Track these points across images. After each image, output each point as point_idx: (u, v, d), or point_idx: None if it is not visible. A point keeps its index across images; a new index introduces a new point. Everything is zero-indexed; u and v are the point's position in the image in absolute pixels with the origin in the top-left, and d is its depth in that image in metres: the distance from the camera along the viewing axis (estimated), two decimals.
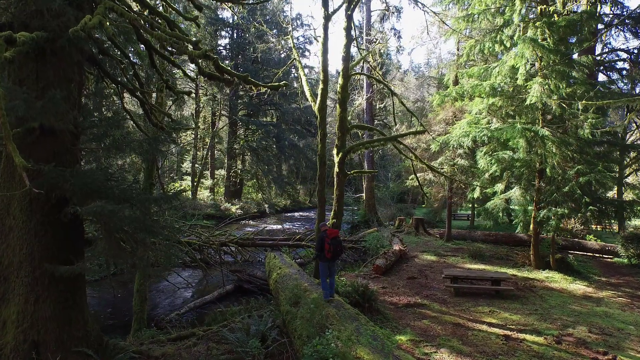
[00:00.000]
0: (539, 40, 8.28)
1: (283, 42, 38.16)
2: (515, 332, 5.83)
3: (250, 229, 24.10)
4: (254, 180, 35.20)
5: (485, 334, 5.76)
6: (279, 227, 25.74)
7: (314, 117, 38.65)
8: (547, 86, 8.01)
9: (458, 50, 13.88)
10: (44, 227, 4.06)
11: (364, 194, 18.92)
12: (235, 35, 32.74)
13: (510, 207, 11.45)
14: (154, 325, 8.34)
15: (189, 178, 31.31)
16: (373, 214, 19.08)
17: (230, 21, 32.32)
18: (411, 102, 37.15)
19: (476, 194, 10.49)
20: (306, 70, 37.83)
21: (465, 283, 8.56)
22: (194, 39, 4.89)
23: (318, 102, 7.98)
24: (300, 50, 37.59)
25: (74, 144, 4.51)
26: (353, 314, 4.21)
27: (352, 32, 8.39)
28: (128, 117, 5.74)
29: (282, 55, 35.72)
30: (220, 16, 31.75)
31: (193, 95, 33.33)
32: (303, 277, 6.88)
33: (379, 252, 12.86)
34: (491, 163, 9.53)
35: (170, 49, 5.75)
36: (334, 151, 8.09)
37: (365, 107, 18.15)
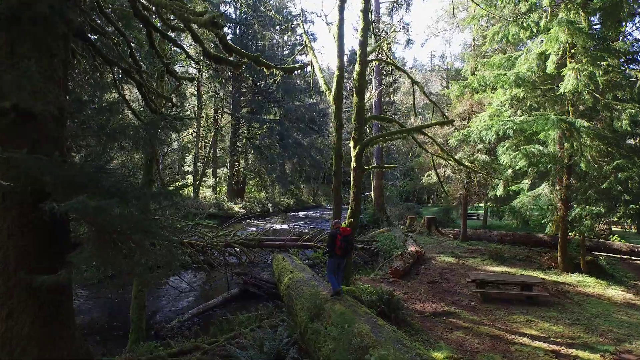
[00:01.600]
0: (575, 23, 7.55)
1: (286, 37, 37.56)
2: (563, 347, 5.13)
3: (255, 229, 23.45)
4: (257, 179, 34.56)
5: (530, 349, 5.06)
6: (284, 226, 25.09)
7: (317, 114, 37.92)
8: (585, 72, 7.29)
9: (475, 40, 13.16)
10: (21, 228, 3.38)
11: (372, 193, 18.23)
12: (238, 31, 32.07)
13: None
14: (154, 333, 7.67)
15: (191, 177, 30.67)
16: (382, 213, 18.37)
17: (233, 17, 31.64)
18: (416, 99, 36.51)
19: (499, 191, 9.79)
20: (309, 68, 37.15)
21: (492, 288, 7.85)
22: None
23: (333, 90, 7.29)
24: (304, 51, 36.70)
25: (58, 131, 3.84)
26: (390, 333, 3.53)
27: (369, 16, 7.69)
28: (123, 102, 5.04)
29: (286, 52, 35.05)
30: (223, 10, 31.07)
31: (194, 93, 32.76)
32: (320, 284, 6.20)
33: (392, 254, 12.16)
34: (517, 158, 8.81)
35: (171, 21, 5.07)
36: (351, 144, 7.40)
37: (374, 102, 17.46)
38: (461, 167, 10.67)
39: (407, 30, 19.09)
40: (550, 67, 8.25)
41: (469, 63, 11.30)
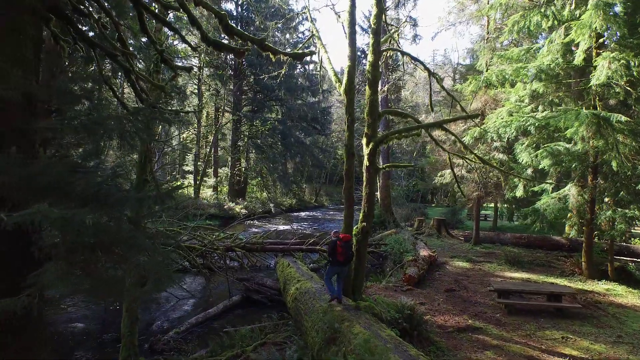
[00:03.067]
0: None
1: (289, 35, 36.88)
2: None
3: (257, 230, 22.84)
4: (259, 179, 33.96)
5: None
6: (287, 227, 24.48)
7: (320, 113, 37.26)
8: (621, 62, 6.63)
9: (488, 33, 12.50)
10: None
11: (378, 193, 17.60)
12: (239, 27, 31.44)
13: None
14: (148, 347, 7.04)
15: (192, 176, 30.08)
16: (389, 214, 17.72)
17: (234, 13, 31.01)
18: (420, 97, 35.74)
19: (519, 192, 9.14)
20: (311, 66, 36.54)
21: (516, 297, 7.20)
22: None
23: (344, 82, 6.65)
24: (305, 48, 36.09)
25: (26, 122, 3.22)
26: None
27: (382, 1, 7.05)
28: (109, 89, 4.40)
29: (288, 50, 34.35)
30: (224, 7, 30.44)
31: (194, 91, 32.16)
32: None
33: (402, 258, 11.52)
34: (540, 157, 8.15)
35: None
36: (363, 141, 6.76)
37: (381, 99, 16.77)
38: (478, 166, 10.02)
39: (414, 25, 18.43)
40: (578, 58, 7.59)
41: (484, 57, 10.66)
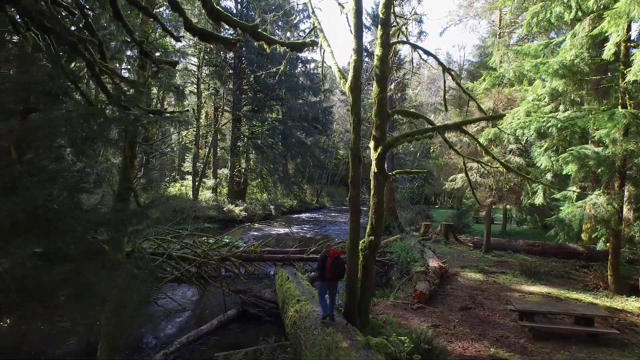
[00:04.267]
0: None
1: (289, 34, 36.19)
2: None
3: (256, 233, 22.14)
4: (259, 180, 33.27)
5: None
6: (288, 230, 23.80)
7: (321, 113, 36.51)
8: None
9: (500, 27, 11.76)
10: None
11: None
12: None
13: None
14: None
15: (190, 177, 29.41)
16: (394, 218, 16.99)
17: (234, 11, 30.28)
18: (424, 97, 34.97)
19: (538, 199, 8.40)
20: (312, 65, 35.81)
21: (541, 318, 6.47)
22: None
23: (349, 78, 5.93)
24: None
25: None
26: None
27: None
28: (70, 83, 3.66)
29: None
30: (223, 5, 29.71)
31: (194, 91, 31.50)
32: (338, 327, 4.82)
33: (410, 268, 10.79)
34: (564, 161, 7.40)
35: None
36: (370, 144, 6.04)
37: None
38: (493, 171, 9.28)
39: (420, 22, 17.69)
40: (608, 52, 6.84)
41: (497, 52, 9.93)
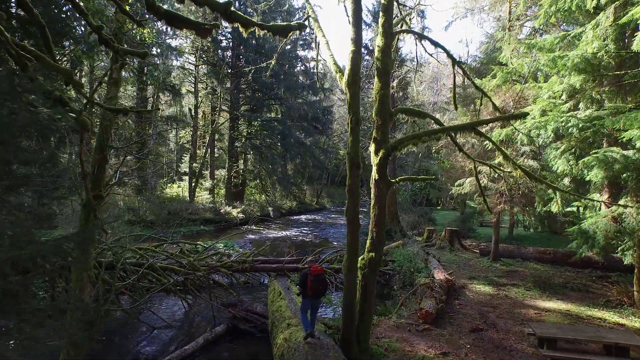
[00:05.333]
0: None
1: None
2: None
3: (253, 237, 21.41)
4: (257, 181, 32.55)
5: None
6: (285, 233, 23.08)
7: (321, 112, 35.75)
8: None
9: (510, 21, 10.99)
10: None
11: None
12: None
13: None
14: None
15: (188, 179, 28.69)
16: (395, 222, 16.23)
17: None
18: (426, 96, 34.13)
19: (555, 207, 7.64)
20: (312, 64, 35.07)
21: (565, 345, 5.71)
22: None
23: (347, 72, 5.18)
24: (305, 45, 34.80)
25: None
26: None
27: None
28: None
29: (288, 47, 32.99)
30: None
31: (191, 90, 30.77)
32: (326, 351, 4.08)
33: (413, 279, 10.04)
34: (586, 166, 6.63)
35: None
36: (371, 148, 5.29)
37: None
38: (505, 175, 8.52)
39: (423, 17, 16.93)
40: (637, 43, 6.06)
41: (508, 46, 9.16)
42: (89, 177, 4.99)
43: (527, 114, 4.77)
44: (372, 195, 5.36)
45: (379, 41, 5.46)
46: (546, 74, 8.23)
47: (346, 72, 5.29)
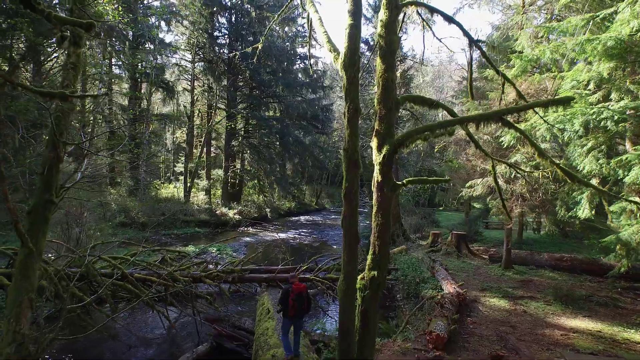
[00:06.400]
0: None
1: (287, 28, 34.48)
2: None
3: (248, 239, 20.49)
4: (255, 181, 31.65)
5: None
6: (283, 235, 22.19)
7: (320, 110, 34.77)
8: None
9: (523, 6, 10.02)
10: None
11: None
12: (234, 19, 29.02)
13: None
14: None
15: (182, 178, 27.80)
16: (398, 225, 15.27)
17: (228, 3, 28.58)
18: (428, 94, 33.15)
19: (583, 212, 6.68)
20: (311, 61, 34.13)
21: None
22: None
23: (343, 50, 4.25)
24: (304, 43, 33.85)
25: None
26: None
27: None
28: None
29: (287, 44, 32.06)
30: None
31: (187, 88, 29.85)
32: None
33: (419, 289, 9.10)
34: (621, 165, 5.67)
35: None
36: (373, 143, 4.36)
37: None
38: (522, 174, 7.57)
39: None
40: None
41: (526, 32, 8.20)
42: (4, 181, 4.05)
43: (572, 98, 3.84)
44: (374, 201, 4.41)
45: (382, 15, 4.51)
46: (572, 62, 7.28)
47: (342, 51, 4.35)
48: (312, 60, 34.45)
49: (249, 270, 9.17)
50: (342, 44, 4.50)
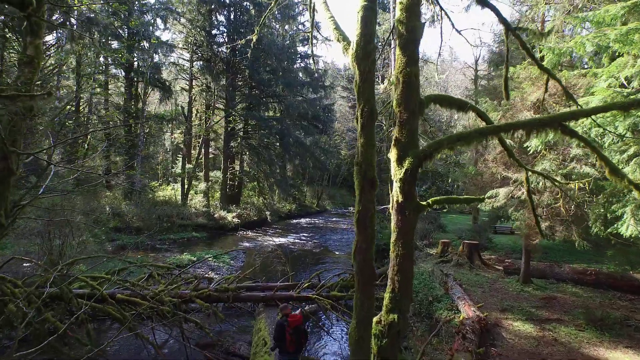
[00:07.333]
0: None
1: (287, 27, 33.60)
2: None
3: (247, 244, 19.67)
4: (255, 183, 30.82)
5: None
6: (283, 240, 21.37)
7: (322, 110, 33.89)
8: None
9: None
10: None
11: (390, 206, 14.24)
12: (232, 16, 28.16)
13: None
14: None
15: (182, 181, 26.95)
16: None
17: (228, 1, 27.70)
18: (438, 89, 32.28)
19: (628, 228, 5.81)
20: (312, 60, 33.27)
21: None
22: None
23: (355, 39, 3.40)
24: (305, 41, 33.03)
25: None
26: None
27: None
28: None
29: (287, 42, 31.23)
30: None
31: (185, 87, 29.02)
32: None
33: (432, 309, 8.23)
34: None
35: None
36: (391, 155, 3.50)
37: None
38: (548, 185, 6.70)
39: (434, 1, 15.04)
40: None
41: (555, 21, 7.33)
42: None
43: None
44: (392, 226, 3.55)
45: None
46: (613, 56, 6.39)
47: (354, 40, 3.48)
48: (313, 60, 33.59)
49: (245, 287, 8.31)
50: (352, 33, 3.64)
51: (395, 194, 3.50)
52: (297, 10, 31.78)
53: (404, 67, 3.55)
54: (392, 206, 3.55)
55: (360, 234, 3.32)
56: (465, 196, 3.73)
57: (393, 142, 3.54)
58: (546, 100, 8.43)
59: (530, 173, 5.03)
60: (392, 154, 3.55)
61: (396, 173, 3.49)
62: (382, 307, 3.59)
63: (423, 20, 3.83)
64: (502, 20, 4.06)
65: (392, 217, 3.60)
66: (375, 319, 3.57)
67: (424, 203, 3.53)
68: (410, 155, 3.40)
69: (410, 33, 3.57)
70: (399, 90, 3.57)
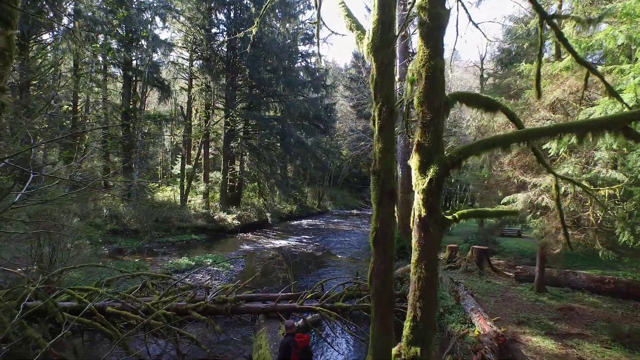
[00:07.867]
0: None
1: (288, 25, 33.11)
2: None
3: (247, 247, 19.17)
4: (255, 184, 30.35)
5: None
6: (284, 242, 20.87)
7: (323, 110, 33.39)
8: None
9: None
10: None
11: (396, 210, 13.77)
12: (232, 14, 27.67)
13: None
14: None
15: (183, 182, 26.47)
16: (410, 237, 13.88)
17: None
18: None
19: None
20: (313, 59, 32.77)
21: None
22: None
23: (371, 27, 2.92)
24: (306, 40, 32.59)
25: None
26: None
27: None
28: None
29: (288, 41, 30.72)
30: None
31: (184, 87, 28.55)
32: None
33: (444, 323, 7.73)
34: None
35: None
36: (413, 161, 3.01)
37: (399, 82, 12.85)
38: (573, 191, 6.20)
39: None
40: None
41: (578, 5, 6.82)
42: None
43: None
44: (413, 244, 3.06)
45: None
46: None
47: (370, 27, 2.99)
48: (313, 59, 33.05)
49: (245, 298, 7.82)
50: (366, 21, 3.13)
51: (418, 206, 3.01)
52: (297, 8, 31.30)
53: (427, 59, 3.05)
54: (413, 221, 3.06)
55: (378, 253, 2.83)
56: (496, 209, 3.25)
57: (415, 147, 3.04)
58: (565, 99, 7.92)
59: (559, 180, 4.53)
60: (414, 161, 3.05)
61: (418, 183, 3.00)
62: (402, 338, 3.10)
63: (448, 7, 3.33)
64: (537, 6, 3.56)
65: (413, 234, 3.10)
66: (394, 351, 3.08)
67: (450, 217, 3.04)
68: (435, 162, 2.91)
69: (433, 20, 3.08)
70: (421, 87, 3.08)
